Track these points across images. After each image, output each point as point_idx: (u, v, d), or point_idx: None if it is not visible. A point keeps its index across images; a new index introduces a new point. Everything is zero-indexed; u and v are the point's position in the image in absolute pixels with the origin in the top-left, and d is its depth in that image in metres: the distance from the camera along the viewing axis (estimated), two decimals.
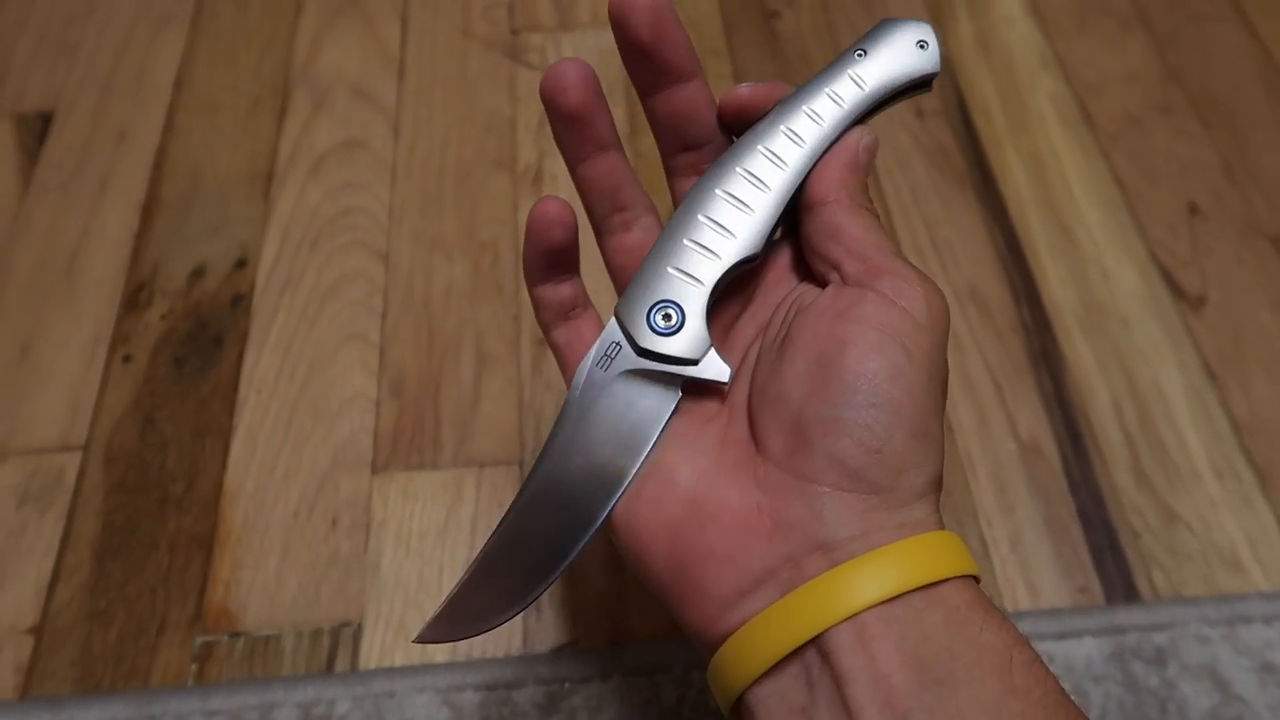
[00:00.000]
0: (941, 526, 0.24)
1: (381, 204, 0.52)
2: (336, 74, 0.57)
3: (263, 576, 0.40)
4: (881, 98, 0.27)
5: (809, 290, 0.27)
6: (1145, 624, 0.38)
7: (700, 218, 0.27)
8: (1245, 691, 0.37)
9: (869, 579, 0.22)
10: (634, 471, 0.26)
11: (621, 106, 0.55)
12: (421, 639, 0.28)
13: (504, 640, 0.39)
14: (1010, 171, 0.52)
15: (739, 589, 0.24)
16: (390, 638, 0.39)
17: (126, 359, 0.46)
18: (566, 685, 0.37)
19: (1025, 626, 0.38)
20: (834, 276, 0.26)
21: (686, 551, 0.24)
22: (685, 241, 0.27)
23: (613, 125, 0.28)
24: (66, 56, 0.57)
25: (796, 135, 0.27)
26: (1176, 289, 0.48)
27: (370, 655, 0.38)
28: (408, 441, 0.44)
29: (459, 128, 0.55)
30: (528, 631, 0.39)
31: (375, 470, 0.43)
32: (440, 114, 0.55)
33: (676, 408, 0.27)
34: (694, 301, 0.26)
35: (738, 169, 0.27)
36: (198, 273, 0.49)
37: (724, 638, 0.24)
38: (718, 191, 0.27)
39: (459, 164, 0.53)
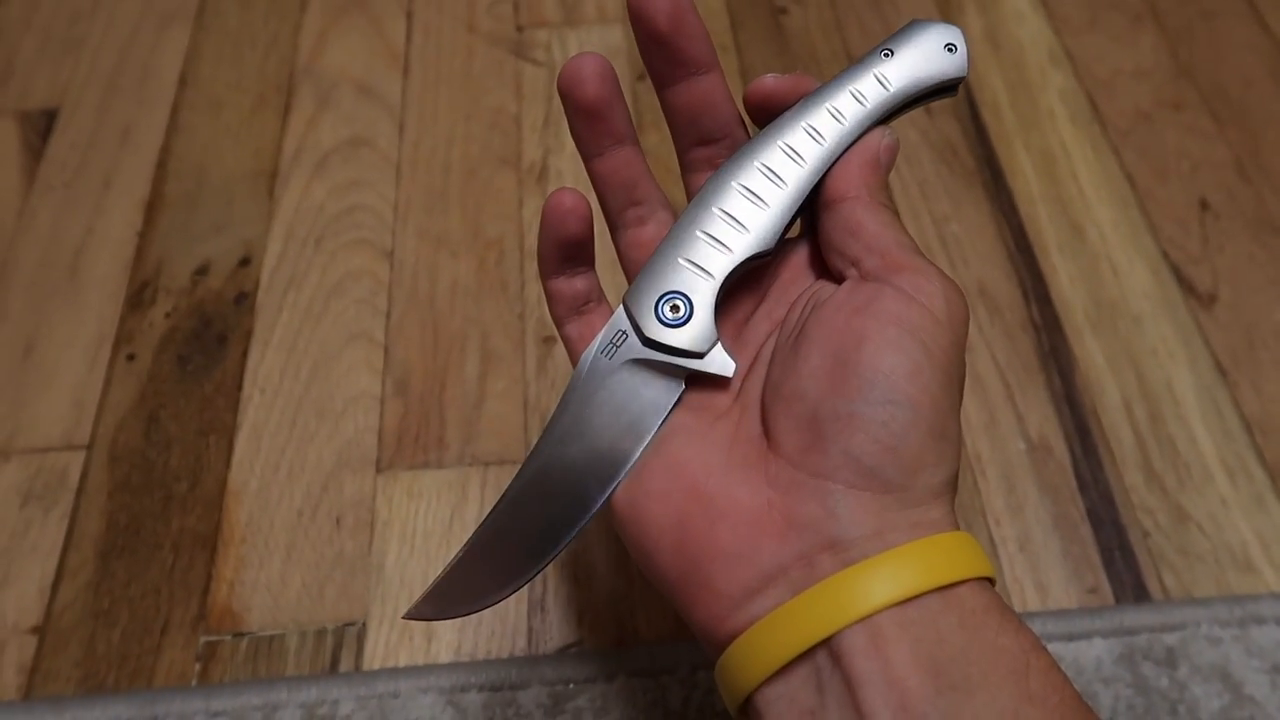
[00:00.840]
0: (957, 527, 0.24)
1: (386, 202, 0.51)
2: (341, 71, 0.56)
3: (267, 576, 0.40)
4: (906, 99, 0.27)
5: (826, 286, 0.27)
6: (1155, 625, 0.38)
7: (715, 210, 0.27)
8: (1257, 693, 0.37)
9: (883, 580, 0.22)
10: (632, 460, 0.26)
11: (628, 103, 0.54)
12: (411, 615, 0.27)
13: (509, 641, 0.38)
14: (1020, 168, 0.52)
15: (748, 587, 0.23)
16: (394, 638, 0.39)
17: (130, 358, 0.46)
18: (571, 686, 0.37)
19: (1034, 627, 0.38)
20: (852, 272, 0.26)
21: (695, 548, 0.24)
22: (698, 233, 0.26)
23: (629, 119, 0.28)
24: (71, 54, 0.57)
25: (817, 133, 0.27)
26: (1187, 286, 0.48)
27: (374, 655, 0.38)
28: (412, 440, 0.44)
29: (464, 125, 0.54)
30: (533, 632, 0.39)
31: (380, 469, 0.43)
32: (445, 111, 0.55)
33: (682, 401, 0.26)
34: (703, 294, 0.26)
35: (755, 163, 0.27)
36: (202, 271, 0.49)
37: (732, 637, 0.23)
38: (734, 185, 0.27)
39: (464, 161, 0.53)
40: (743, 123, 0.29)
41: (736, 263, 0.26)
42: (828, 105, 0.27)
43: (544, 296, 0.31)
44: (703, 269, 0.26)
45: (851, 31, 0.58)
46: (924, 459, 0.23)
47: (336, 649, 0.38)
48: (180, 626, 0.39)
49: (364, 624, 0.39)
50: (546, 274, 0.29)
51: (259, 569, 0.40)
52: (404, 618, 0.28)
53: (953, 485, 0.24)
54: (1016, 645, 0.21)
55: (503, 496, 0.27)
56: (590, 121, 0.27)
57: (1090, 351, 0.46)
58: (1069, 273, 0.48)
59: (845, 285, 0.26)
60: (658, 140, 0.53)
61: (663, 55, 0.27)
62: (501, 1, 0.59)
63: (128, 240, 0.50)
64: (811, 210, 0.28)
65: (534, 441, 0.44)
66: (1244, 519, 0.41)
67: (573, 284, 0.29)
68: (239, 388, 0.45)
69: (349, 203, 0.51)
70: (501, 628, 0.39)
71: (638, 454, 0.26)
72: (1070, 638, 0.38)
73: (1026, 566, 0.40)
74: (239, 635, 0.39)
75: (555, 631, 0.39)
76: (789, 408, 0.24)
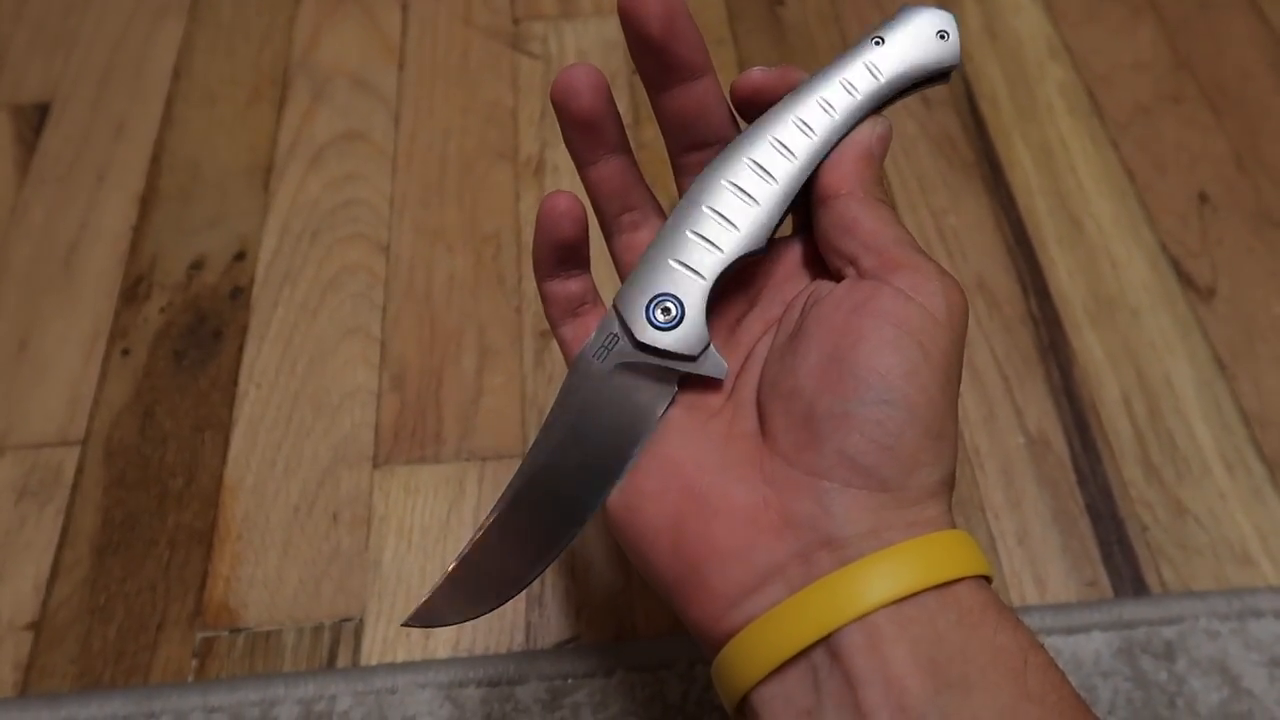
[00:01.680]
0: (954, 525, 0.24)
1: (382, 196, 0.51)
2: (336, 64, 0.56)
3: (263, 572, 0.40)
4: (897, 88, 0.27)
5: (823, 284, 0.26)
6: (1154, 618, 0.38)
7: (704, 208, 0.26)
8: (1255, 686, 0.37)
9: (880, 578, 0.22)
10: (627, 465, 0.26)
11: (624, 96, 0.54)
12: (409, 623, 0.27)
13: (507, 636, 0.38)
14: (1018, 161, 0.52)
15: (745, 586, 0.23)
16: (392, 633, 0.38)
17: (125, 353, 0.46)
18: (570, 681, 0.37)
19: (1033, 621, 0.38)
20: (850, 270, 0.25)
21: (691, 547, 0.24)
22: (688, 232, 0.26)
23: (622, 129, 0.28)
24: (63, 47, 0.57)
25: (807, 126, 0.26)
26: (1186, 280, 0.48)
27: (372, 651, 0.38)
28: (409, 435, 0.43)
29: (460, 118, 0.54)
30: (531, 627, 0.39)
31: (377, 464, 0.43)
32: (441, 104, 0.55)
33: (675, 401, 0.26)
34: (694, 295, 0.26)
35: (745, 159, 0.26)
36: (196, 265, 0.49)
37: (729, 636, 0.23)
38: (723, 182, 0.26)
39: (460, 155, 0.53)
40: (737, 126, 0.28)
41: (728, 262, 0.26)
42: (817, 97, 0.26)
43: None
44: (693, 270, 0.26)
45: (850, 23, 0.57)
46: (920, 458, 0.23)
47: (334, 644, 0.38)
48: (177, 622, 0.39)
49: (361, 619, 0.39)
50: (541, 276, 0.28)
51: (255, 565, 0.40)
52: (402, 625, 0.28)
53: (949, 483, 0.24)
54: (1014, 643, 0.21)
55: (497, 505, 0.27)
56: (583, 132, 0.27)
57: (1089, 345, 0.46)
58: (1068, 266, 0.48)
59: (843, 284, 0.25)
60: (655, 134, 0.52)
61: (655, 61, 0.26)
62: None
63: (122, 235, 0.50)
64: (804, 207, 0.27)
65: (531, 437, 0.43)
66: (1242, 512, 0.41)
67: (568, 286, 0.28)
68: (234, 383, 0.45)
69: (344, 197, 0.51)
70: (499, 623, 0.39)
71: (632, 459, 0.26)
72: (1069, 631, 0.38)
73: (1025, 560, 0.40)
74: (236, 631, 0.39)
75: (553, 626, 0.39)
76: (785, 405, 0.24)
